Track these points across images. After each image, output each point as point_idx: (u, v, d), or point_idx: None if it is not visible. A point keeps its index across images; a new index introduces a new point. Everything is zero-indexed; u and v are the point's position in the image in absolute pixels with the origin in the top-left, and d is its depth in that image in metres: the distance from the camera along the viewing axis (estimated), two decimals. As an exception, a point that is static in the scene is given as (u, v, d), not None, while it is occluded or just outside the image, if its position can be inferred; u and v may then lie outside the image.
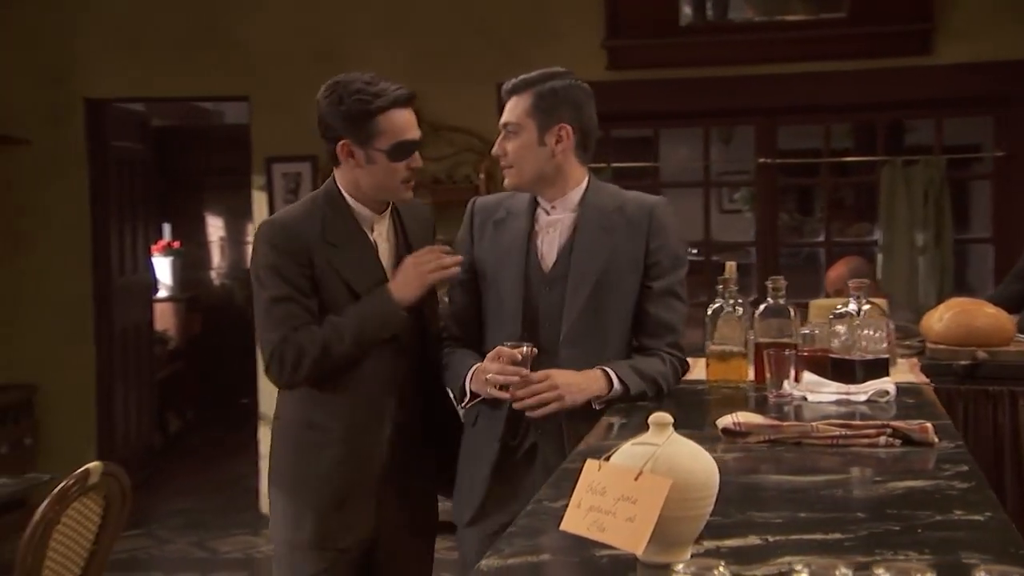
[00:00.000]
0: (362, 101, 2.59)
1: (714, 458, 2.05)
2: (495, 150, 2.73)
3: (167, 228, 8.95)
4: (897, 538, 1.61)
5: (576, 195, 2.71)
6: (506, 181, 2.73)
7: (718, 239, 7.76)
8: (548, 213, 2.72)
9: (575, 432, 2.48)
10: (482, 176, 5.76)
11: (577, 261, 2.66)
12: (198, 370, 8.60)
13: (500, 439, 2.65)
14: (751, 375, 2.84)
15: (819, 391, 2.66)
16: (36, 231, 6.30)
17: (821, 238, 6.86)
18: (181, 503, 6.45)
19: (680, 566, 1.18)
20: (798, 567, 1.15)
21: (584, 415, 2.53)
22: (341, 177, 2.70)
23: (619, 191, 2.79)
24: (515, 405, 2.53)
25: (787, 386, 2.64)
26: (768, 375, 2.66)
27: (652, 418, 1.52)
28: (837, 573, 1.13)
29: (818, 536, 1.61)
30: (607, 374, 2.57)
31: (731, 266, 3.05)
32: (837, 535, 1.62)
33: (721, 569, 1.16)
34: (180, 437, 8.14)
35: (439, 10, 6.07)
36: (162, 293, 8.38)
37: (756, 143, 6.33)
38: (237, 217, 8.95)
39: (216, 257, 9.36)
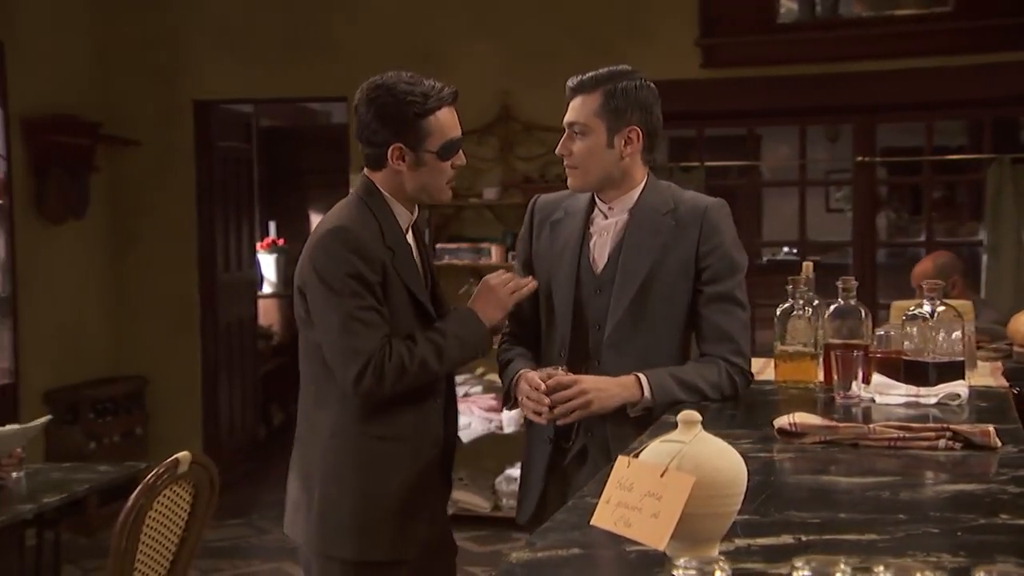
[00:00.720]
0: (413, 104, 2.55)
1: (766, 458, 2.09)
2: (559, 150, 2.68)
3: (272, 226, 9.18)
4: (933, 540, 1.61)
5: (634, 196, 2.67)
6: (569, 182, 2.69)
7: (815, 239, 7.66)
8: (605, 215, 2.70)
9: (619, 435, 2.49)
10: (574, 175, 5.78)
11: (624, 263, 2.63)
12: (302, 365, 8.77)
13: (551, 441, 2.68)
14: (821, 376, 2.82)
15: (888, 393, 2.63)
16: (146, 228, 6.56)
17: (922, 238, 6.72)
18: (282, 494, 6.59)
19: (681, 561, 1.20)
20: (799, 564, 1.17)
21: (629, 419, 2.54)
22: (383, 180, 2.64)
23: (676, 192, 2.72)
24: (544, 416, 2.55)
25: (855, 388, 2.62)
26: (835, 376, 2.64)
27: (680, 416, 1.54)
28: (837, 570, 1.14)
29: (852, 537, 1.62)
30: (639, 381, 2.55)
31: (808, 266, 3.03)
32: (872, 536, 1.62)
33: (721, 564, 1.18)
34: (283, 430, 8.34)
35: (533, 10, 6.12)
36: (267, 289, 8.60)
37: (854, 141, 6.24)
38: (341, 216, 9.11)
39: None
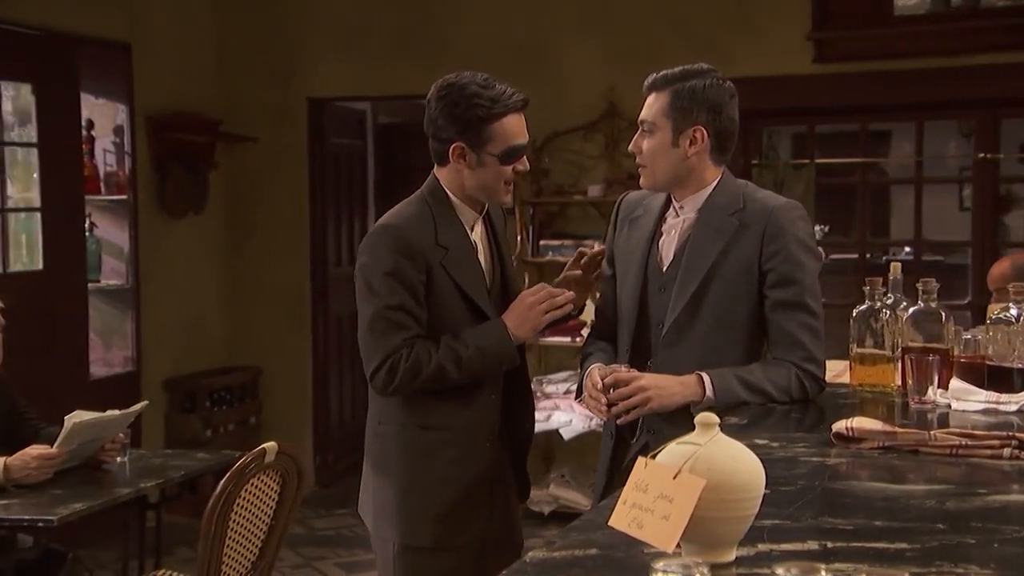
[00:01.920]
0: (479, 107, 2.60)
1: (817, 463, 2.06)
2: (631, 147, 2.69)
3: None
4: (966, 551, 1.56)
5: (704, 195, 2.65)
6: (641, 180, 2.70)
7: (948, 238, 7.43)
8: (676, 213, 2.68)
9: (679, 434, 2.46)
10: (678, 172, 5.72)
11: (686, 262, 2.62)
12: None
13: (613, 436, 2.70)
14: (899, 380, 2.74)
15: (966, 399, 2.55)
16: (261, 223, 6.75)
17: (1049, 237, 6.45)
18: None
19: (660, 564, 1.20)
20: (779, 571, 1.15)
21: (691, 418, 2.51)
22: (445, 177, 2.70)
23: (750, 192, 2.67)
24: (603, 412, 2.56)
25: (931, 393, 2.55)
26: (910, 380, 2.57)
27: (698, 418, 1.53)
28: (816, 579, 1.11)
29: (880, 545, 1.58)
30: (702, 380, 2.53)
31: (896, 266, 2.96)
32: (903, 545, 1.58)
33: (703, 570, 1.17)
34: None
35: (639, 6, 6.09)
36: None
37: (976, 137, 6.04)
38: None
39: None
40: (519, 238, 6.09)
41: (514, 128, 2.65)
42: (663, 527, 1.46)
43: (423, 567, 2.70)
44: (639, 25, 6.07)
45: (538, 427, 5.74)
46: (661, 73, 2.66)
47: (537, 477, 5.99)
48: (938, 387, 2.56)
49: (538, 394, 5.98)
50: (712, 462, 1.47)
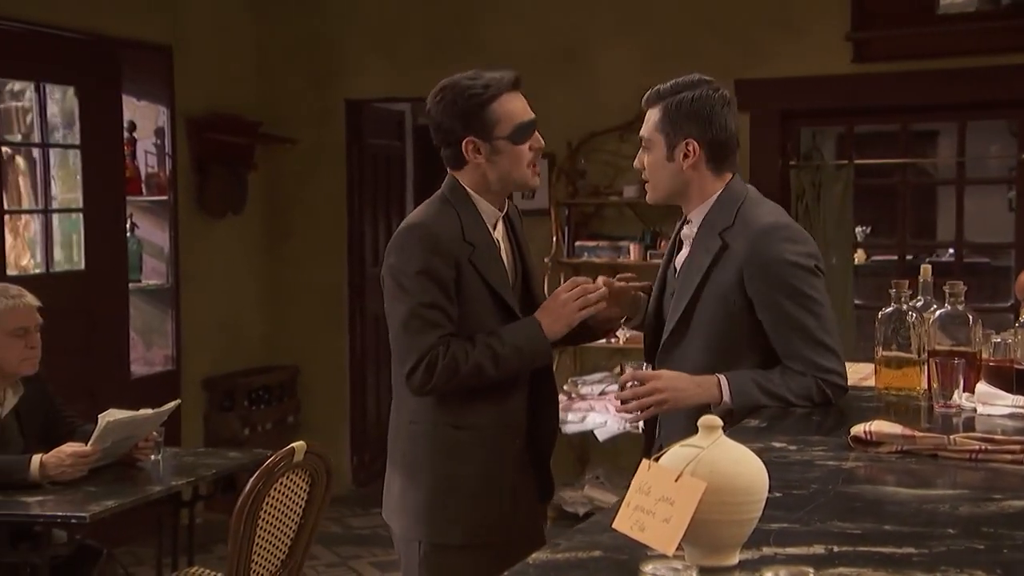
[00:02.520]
0: (474, 95, 2.61)
1: (833, 467, 2.04)
2: (635, 163, 2.72)
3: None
4: (974, 556, 1.54)
5: (707, 208, 2.65)
6: (647, 195, 2.74)
7: (995, 240, 7.33)
8: (688, 224, 2.71)
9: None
10: (715, 173, 5.69)
11: (681, 277, 2.66)
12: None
13: (644, 432, 2.73)
14: (925, 384, 2.71)
15: (992, 403, 2.52)
16: (299, 223, 6.80)
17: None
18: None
19: (649, 567, 1.20)
20: (768, 575, 1.15)
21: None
22: (466, 177, 2.70)
23: (745, 208, 2.62)
24: (617, 410, 2.57)
25: (956, 396, 2.52)
26: (935, 384, 2.54)
27: (701, 420, 1.52)
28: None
29: (887, 549, 1.56)
30: (719, 382, 2.53)
31: (926, 269, 2.93)
32: (910, 549, 1.56)
33: (691, 573, 1.17)
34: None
35: (677, 7, 6.07)
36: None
37: (1020, 138, 5.96)
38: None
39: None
40: (554, 239, 6.09)
41: (516, 106, 2.65)
42: (664, 530, 1.45)
43: (451, 566, 2.70)
44: (677, 26, 6.05)
45: (573, 428, 5.81)
46: (654, 88, 2.68)
47: (572, 478, 5.99)
48: (964, 391, 2.53)
49: (572, 395, 5.98)
50: (714, 465, 1.47)
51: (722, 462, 1.48)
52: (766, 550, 1.56)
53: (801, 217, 6.01)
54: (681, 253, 2.71)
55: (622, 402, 2.57)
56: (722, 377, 2.54)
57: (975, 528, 1.67)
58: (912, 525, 1.69)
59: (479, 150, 2.65)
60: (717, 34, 5.95)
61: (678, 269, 2.70)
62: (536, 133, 2.69)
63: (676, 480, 1.47)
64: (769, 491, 1.61)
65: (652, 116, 2.64)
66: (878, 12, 5.81)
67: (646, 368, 2.60)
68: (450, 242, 2.62)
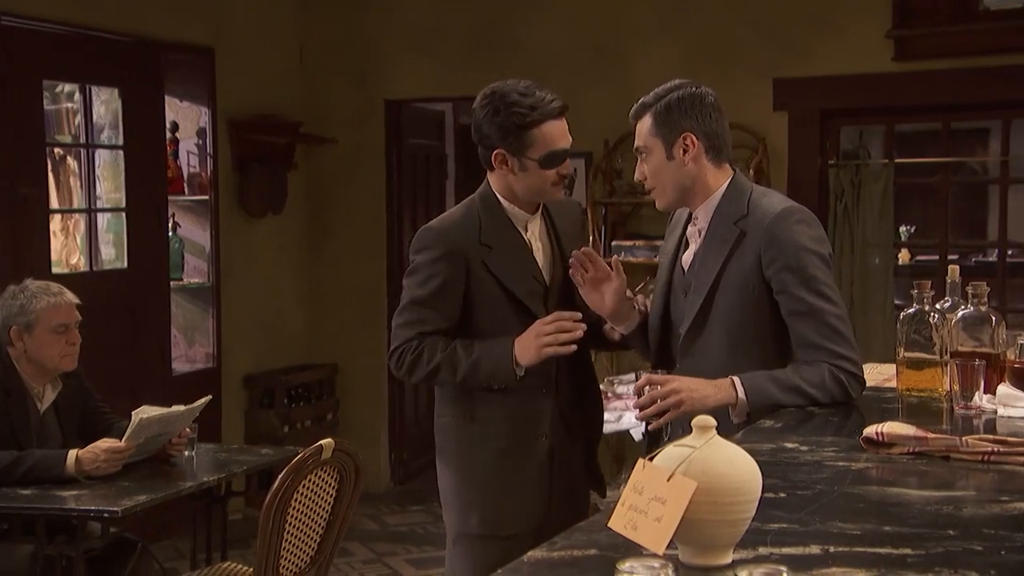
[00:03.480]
0: (518, 114, 2.68)
1: (843, 468, 2.04)
2: (636, 177, 2.75)
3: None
4: (970, 558, 1.53)
5: (714, 203, 2.67)
6: (656, 204, 2.76)
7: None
8: (694, 223, 2.72)
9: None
10: (751, 171, 5.67)
11: (696, 272, 2.66)
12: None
13: (645, 434, 2.75)
14: (947, 385, 2.69)
15: (1013, 405, 2.50)
16: (339, 223, 6.86)
17: None
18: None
19: (627, 564, 1.21)
20: (742, 574, 1.15)
21: (723, 420, 2.51)
22: (495, 181, 2.82)
23: (756, 197, 2.66)
24: (636, 416, 2.58)
25: (978, 398, 2.50)
26: (955, 385, 2.52)
27: (695, 420, 1.53)
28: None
29: (884, 550, 1.56)
30: (733, 383, 2.53)
31: (954, 269, 2.91)
32: (906, 550, 1.56)
33: (668, 571, 1.18)
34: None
35: (716, 6, 6.05)
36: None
37: (1064, 136, 5.87)
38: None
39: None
40: (591, 238, 6.09)
41: (554, 133, 2.73)
42: (655, 529, 1.46)
43: (473, 555, 2.80)
44: (716, 24, 6.03)
45: (609, 428, 5.80)
46: (639, 102, 2.72)
47: (608, 477, 5.98)
48: (984, 392, 2.51)
49: (608, 395, 5.97)
50: (706, 465, 1.48)
51: (714, 462, 1.49)
52: (762, 550, 1.56)
53: (840, 217, 5.97)
54: (688, 251, 2.72)
55: (640, 408, 2.57)
56: (735, 377, 2.54)
57: (976, 529, 1.66)
58: (913, 526, 1.68)
59: (507, 162, 2.75)
60: (756, 33, 5.93)
61: (686, 267, 2.71)
62: (567, 161, 2.76)
63: (668, 479, 1.48)
64: (774, 491, 1.62)
65: (643, 125, 2.68)
66: (919, 9, 5.76)
67: (661, 373, 2.61)
68: (462, 244, 2.72)
